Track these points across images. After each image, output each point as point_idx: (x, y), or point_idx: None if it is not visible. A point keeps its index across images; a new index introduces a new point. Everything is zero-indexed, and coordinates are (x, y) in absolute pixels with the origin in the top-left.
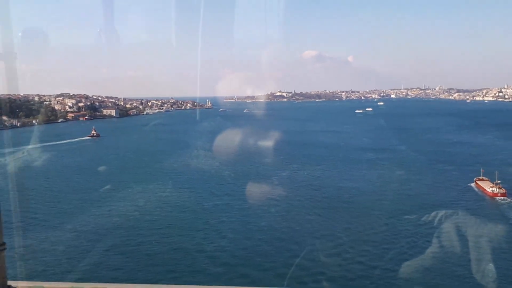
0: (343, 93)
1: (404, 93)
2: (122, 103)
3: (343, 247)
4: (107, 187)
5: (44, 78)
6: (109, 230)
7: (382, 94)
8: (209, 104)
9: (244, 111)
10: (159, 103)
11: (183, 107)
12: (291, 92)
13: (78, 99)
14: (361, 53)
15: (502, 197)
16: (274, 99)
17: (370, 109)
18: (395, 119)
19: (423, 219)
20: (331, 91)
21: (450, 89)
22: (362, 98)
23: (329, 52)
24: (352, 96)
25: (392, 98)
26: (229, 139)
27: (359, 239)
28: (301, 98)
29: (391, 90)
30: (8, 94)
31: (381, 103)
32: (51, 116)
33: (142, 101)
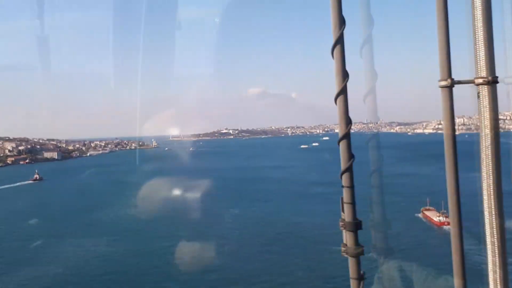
0: (289, 129)
1: None
2: (64, 145)
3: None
4: (38, 243)
5: None
6: None
7: (326, 129)
8: (154, 144)
9: (190, 149)
10: (103, 144)
11: (127, 147)
12: (237, 129)
13: (18, 142)
14: (304, 89)
15: (449, 226)
16: (220, 137)
17: (316, 143)
18: (339, 153)
19: None
20: (276, 127)
21: (392, 122)
22: (307, 133)
23: (273, 89)
24: (298, 132)
25: (337, 132)
26: (176, 179)
27: (318, 275)
28: (247, 134)
29: (335, 124)
30: None
31: (327, 138)
32: None
33: (85, 142)
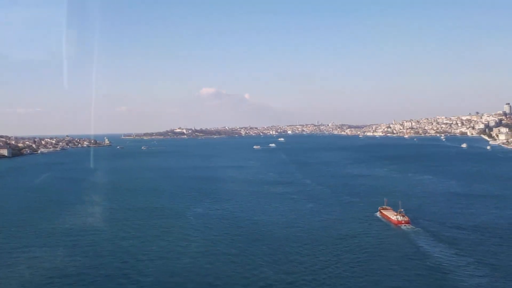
0: (242, 130)
1: (299, 129)
2: (13, 142)
3: (267, 281)
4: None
5: None
6: None
7: (279, 130)
8: (107, 142)
9: (142, 148)
10: (54, 141)
11: (79, 145)
12: (191, 129)
13: None
14: (257, 90)
15: (406, 225)
16: (174, 136)
17: (273, 144)
18: (296, 154)
19: (338, 248)
20: (230, 127)
21: (342, 125)
22: (261, 134)
23: (226, 89)
24: (251, 132)
25: (289, 133)
26: (132, 179)
27: (282, 270)
28: (201, 134)
29: (288, 126)
30: None
31: (282, 139)
32: None
33: (35, 139)
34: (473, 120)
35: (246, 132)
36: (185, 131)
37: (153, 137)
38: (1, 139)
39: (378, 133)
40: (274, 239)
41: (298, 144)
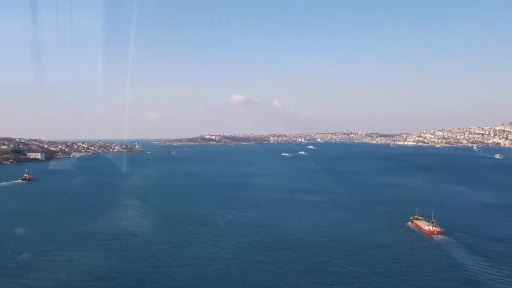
0: (271, 137)
1: (329, 137)
2: (46, 145)
3: None
4: (24, 255)
5: None
6: None
7: (308, 138)
8: (137, 147)
9: (172, 153)
10: (86, 146)
11: (111, 150)
12: (220, 135)
13: (1, 141)
14: (287, 98)
15: (439, 235)
16: (203, 142)
17: (303, 152)
18: (326, 162)
19: (370, 258)
20: (259, 134)
21: (372, 133)
22: (290, 141)
23: (256, 97)
24: (280, 140)
25: (319, 141)
26: (162, 185)
27: (313, 279)
28: (230, 141)
29: (317, 134)
30: None
31: (312, 147)
32: None
33: (68, 143)
34: (506, 130)
35: (275, 139)
36: (214, 138)
37: (183, 143)
38: (35, 143)
39: (409, 142)
40: (304, 248)
41: (329, 152)
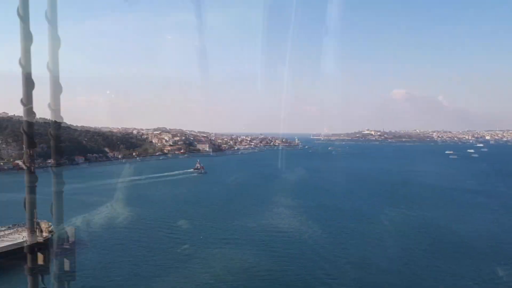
0: (435, 134)
1: (499, 136)
2: (213, 138)
3: None
4: (185, 246)
5: (139, 112)
6: None
7: (476, 136)
8: (297, 142)
9: (329, 148)
10: (248, 139)
11: (272, 143)
12: (379, 131)
13: (174, 133)
14: (452, 92)
15: None
16: (362, 138)
17: (472, 150)
18: (502, 165)
19: None
20: (421, 131)
21: None
22: (455, 139)
23: (418, 91)
24: (445, 137)
25: (488, 140)
26: (322, 180)
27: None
28: (390, 137)
29: (486, 131)
30: (108, 127)
31: (481, 145)
32: (150, 150)
33: (232, 136)
34: None
35: (439, 137)
36: (373, 133)
37: (341, 137)
38: (203, 135)
39: None
40: (477, 253)
41: (503, 152)
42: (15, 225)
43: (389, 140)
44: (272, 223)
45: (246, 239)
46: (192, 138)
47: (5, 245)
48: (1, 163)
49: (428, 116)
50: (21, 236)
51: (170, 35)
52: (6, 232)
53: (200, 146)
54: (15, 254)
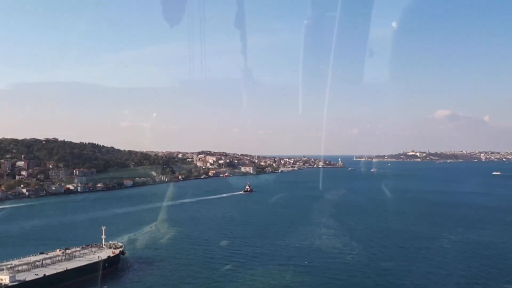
0: (482, 154)
1: None
2: (256, 160)
3: None
4: (228, 267)
5: (183, 136)
6: None
7: None
8: (340, 163)
9: (371, 170)
10: (291, 161)
11: (315, 165)
12: (425, 152)
13: (218, 156)
14: (498, 112)
15: None
16: (406, 159)
17: None
18: None
19: None
20: (468, 151)
21: None
22: (504, 159)
23: (462, 112)
24: (492, 157)
25: None
26: (368, 200)
27: None
28: (436, 158)
29: None
30: (153, 151)
31: None
32: (194, 172)
33: (275, 158)
34: None
35: (486, 157)
36: (418, 154)
37: (385, 159)
38: (246, 157)
39: None
40: None
41: None
42: (88, 245)
43: (435, 160)
44: (313, 242)
45: (281, 258)
46: (236, 161)
47: (82, 264)
48: (53, 188)
49: (474, 136)
50: (96, 256)
51: (215, 61)
52: (81, 251)
53: (244, 169)
54: (90, 271)
